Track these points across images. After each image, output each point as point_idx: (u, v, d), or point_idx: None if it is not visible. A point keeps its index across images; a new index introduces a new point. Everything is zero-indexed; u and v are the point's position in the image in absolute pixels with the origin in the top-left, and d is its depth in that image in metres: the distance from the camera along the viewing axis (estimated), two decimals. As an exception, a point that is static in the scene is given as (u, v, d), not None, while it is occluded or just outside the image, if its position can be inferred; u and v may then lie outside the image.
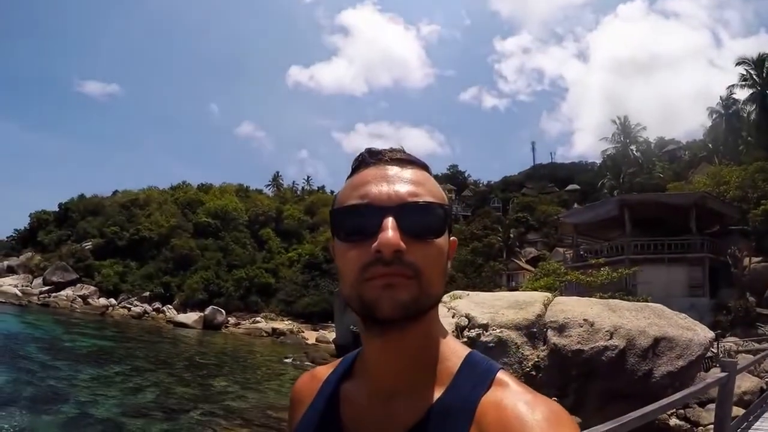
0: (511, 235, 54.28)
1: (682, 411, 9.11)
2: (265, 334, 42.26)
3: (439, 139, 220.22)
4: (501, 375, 0.69)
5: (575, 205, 66.85)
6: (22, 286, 51.06)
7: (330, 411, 0.77)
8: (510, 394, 0.65)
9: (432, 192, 0.71)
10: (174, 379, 17.96)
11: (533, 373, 6.84)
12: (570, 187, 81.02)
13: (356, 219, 0.68)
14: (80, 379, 15.96)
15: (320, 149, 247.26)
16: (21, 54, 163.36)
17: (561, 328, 7.27)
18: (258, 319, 47.71)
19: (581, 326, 7.25)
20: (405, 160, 0.73)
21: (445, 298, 8.03)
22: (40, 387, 14.25)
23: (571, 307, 7.79)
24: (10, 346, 20.96)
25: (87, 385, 15.30)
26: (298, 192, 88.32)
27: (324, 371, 0.86)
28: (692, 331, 7.69)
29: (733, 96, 42.71)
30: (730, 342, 17.02)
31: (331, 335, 36.98)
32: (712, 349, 11.99)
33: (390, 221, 0.65)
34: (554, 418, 0.61)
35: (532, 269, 45.21)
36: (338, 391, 0.79)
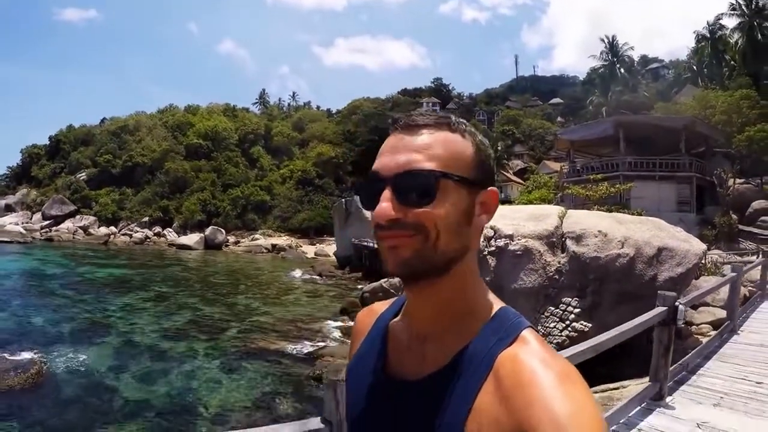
0: (499, 148, 54.77)
1: (675, 312, 10.38)
2: (265, 251, 42.99)
3: (421, 51, 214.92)
4: (526, 332, 0.71)
5: (558, 119, 67.61)
6: (23, 223, 51.02)
7: (379, 343, 0.85)
8: (528, 350, 0.67)
9: (435, 155, 0.71)
10: (199, 301, 18.56)
11: (556, 276, 7.80)
12: (554, 100, 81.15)
13: (367, 188, 0.75)
14: (112, 310, 16.19)
15: (301, 65, 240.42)
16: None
17: (578, 238, 8.14)
18: (257, 236, 48.40)
19: (596, 237, 8.14)
20: (418, 125, 0.74)
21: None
22: (79, 322, 14.35)
23: (584, 220, 8.63)
24: (33, 285, 21.08)
25: (120, 315, 15.58)
26: (285, 109, 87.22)
27: (380, 307, 0.94)
28: (688, 243, 8.58)
29: (720, 22, 42.61)
30: (714, 254, 18.44)
31: (330, 248, 38.20)
32: (702, 261, 13.23)
33: (386, 193, 0.71)
34: (566, 376, 0.62)
35: (521, 181, 46.30)
36: (388, 327, 0.87)
